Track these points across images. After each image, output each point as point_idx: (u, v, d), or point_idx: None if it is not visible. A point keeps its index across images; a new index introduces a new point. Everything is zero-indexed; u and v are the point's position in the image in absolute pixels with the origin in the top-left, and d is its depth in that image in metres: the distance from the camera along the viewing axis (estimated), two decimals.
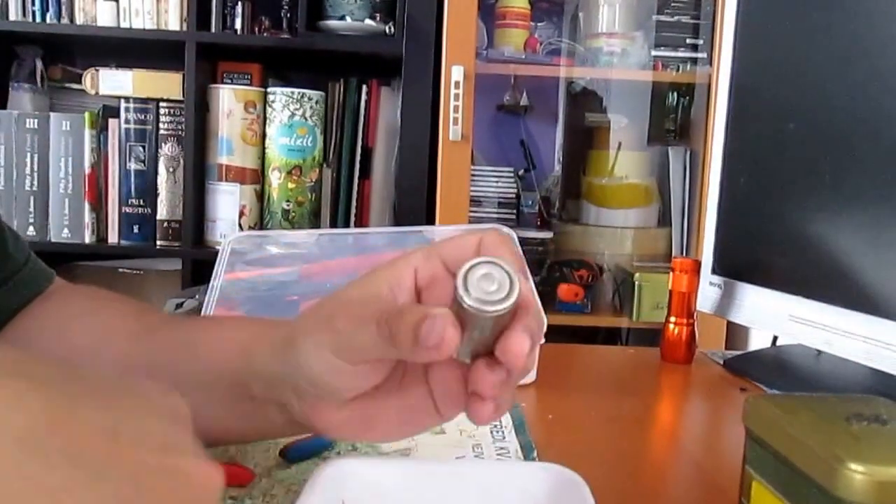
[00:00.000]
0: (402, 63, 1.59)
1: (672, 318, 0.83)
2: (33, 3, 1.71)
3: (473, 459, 0.53)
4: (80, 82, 1.80)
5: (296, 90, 1.74)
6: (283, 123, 1.74)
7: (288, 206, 1.76)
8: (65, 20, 1.71)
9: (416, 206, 1.62)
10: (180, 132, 1.73)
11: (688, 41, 1.69)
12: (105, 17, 1.71)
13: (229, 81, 1.79)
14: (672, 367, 0.83)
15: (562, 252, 1.71)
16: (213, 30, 1.73)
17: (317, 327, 0.38)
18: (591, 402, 0.70)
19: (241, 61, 1.81)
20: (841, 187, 0.70)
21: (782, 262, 0.78)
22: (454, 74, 1.52)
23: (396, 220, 1.67)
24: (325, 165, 1.81)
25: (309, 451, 0.50)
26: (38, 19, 1.71)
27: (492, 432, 0.58)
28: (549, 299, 1.59)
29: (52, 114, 1.73)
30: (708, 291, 0.87)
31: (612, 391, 0.77)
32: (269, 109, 1.76)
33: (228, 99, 1.74)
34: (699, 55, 1.68)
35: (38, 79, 1.80)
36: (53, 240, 1.73)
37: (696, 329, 0.84)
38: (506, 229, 0.80)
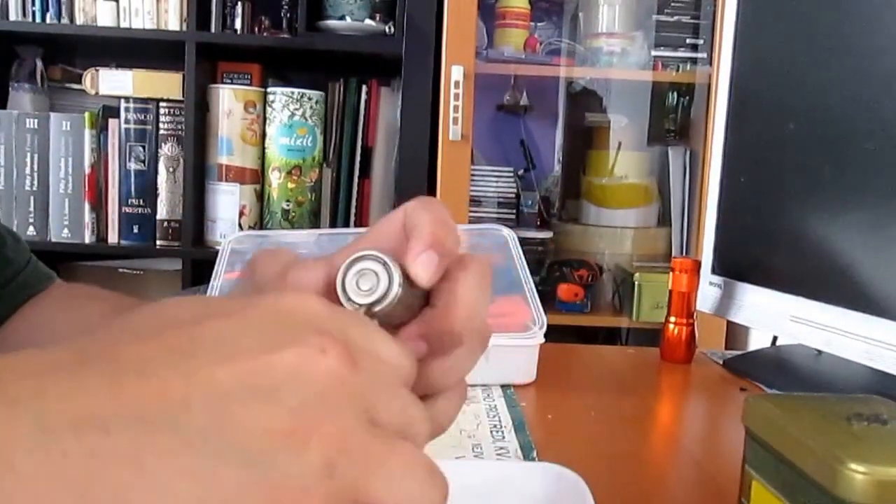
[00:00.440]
0: (402, 63, 1.59)
1: (672, 318, 0.84)
2: (33, 4, 1.71)
3: (473, 459, 0.53)
4: (80, 82, 1.80)
5: (296, 90, 1.74)
6: (283, 123, 1.74)
7: (288, 206, 1.76)
8: (65, 20, 1.71)
9: None
10: (180, 132, 1.73)
11: (688, 41, 1.69)
12: (105, 17, 1.71)
13: (229, 81, 1.79)
14: (672, 366, 0.83)
15: (562, 252, 1.71)
16: (212, 30, 1.73)
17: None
18: (591, 401, 0.70)
19: (241, 61, 1.81)
20: (841, 187, 0.70)
21: (782, 262, 0.78)
22: (454, 74, 1.52)
23: None
24: (325, 165, 1.81)
25: None
26: (38, 19, 1.71)
27: (492, 432, 0.58)
28: (549, 299, 1.59)
29: (52, 114, 1.73)
30: (708, 291, 0.87)
31: (612, 391, 0.77)
32: (268, 109, 1.76)
33: (228, 99, 1.74)
34: (699, 55, 1.68)
35: (38, 79, 1.80)
36: (53, 240, 1.73)
37: (695, 329, 0.84)
38: (506, 229, 0.81)
